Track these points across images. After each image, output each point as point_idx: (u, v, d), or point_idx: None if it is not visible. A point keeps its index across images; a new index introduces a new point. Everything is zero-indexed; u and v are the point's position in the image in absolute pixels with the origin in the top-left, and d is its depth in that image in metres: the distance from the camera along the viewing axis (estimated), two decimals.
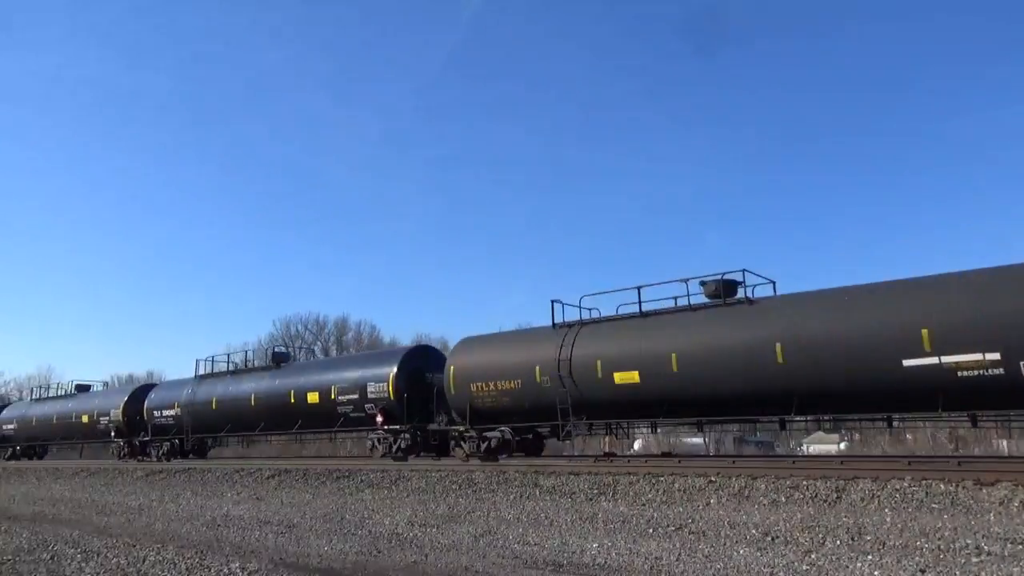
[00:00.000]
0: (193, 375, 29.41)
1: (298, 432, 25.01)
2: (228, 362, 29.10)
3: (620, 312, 16.98)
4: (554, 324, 17.84)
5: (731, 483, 11.66)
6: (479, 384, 18.23)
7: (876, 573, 7.59)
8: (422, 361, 21.65)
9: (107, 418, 32.54)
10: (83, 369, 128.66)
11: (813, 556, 8.29)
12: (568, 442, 19.98)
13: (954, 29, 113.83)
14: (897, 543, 8.30)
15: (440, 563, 9.41)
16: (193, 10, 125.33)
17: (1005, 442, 33.28)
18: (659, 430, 17.85)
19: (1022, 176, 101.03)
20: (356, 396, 21.68)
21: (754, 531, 9.43)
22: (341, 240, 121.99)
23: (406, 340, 66.92)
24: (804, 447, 48.82)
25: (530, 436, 18.52)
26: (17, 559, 11.19)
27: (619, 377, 15.73)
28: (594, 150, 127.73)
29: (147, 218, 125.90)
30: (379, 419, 20.88)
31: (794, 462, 14.54)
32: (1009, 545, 7.77)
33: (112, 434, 32.21)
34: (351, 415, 21.97)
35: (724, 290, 15.33)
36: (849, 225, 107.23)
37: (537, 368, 17.08)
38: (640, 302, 16.48)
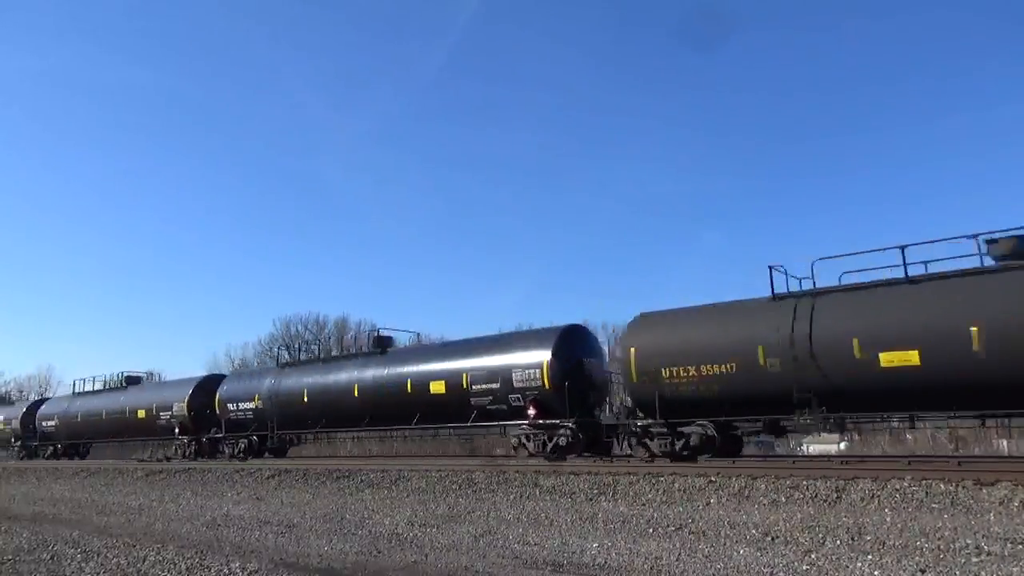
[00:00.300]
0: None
1: (416, 427, 21.64)
2: (319, 349, 26.41)
3: (841, 280, 14.50)
4: (774, 295, 15.18)
5: (731, 483, 11.68)
6: (674, 369, 15.49)
7: (876, 573, 7.58)
8: (577, 344, 18.94)
9: (169, 413, 28.92)
10: (83, 369, 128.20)
11: (813, 556, 8.29)
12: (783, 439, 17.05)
13: (953, 27, 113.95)
14: (897, 543, 8.31)
15: (440, 563, 9.40)
16: (189, 11, 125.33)
17: (1005, 442, 33.16)
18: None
19: (1019, 173, 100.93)
20: (497, 386, 18.91)
21: (754, 531, 9.43)
22: (340, 240, 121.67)
23: (406, 339, 66.92)
24: (804, 447, 48.76)
25: (738, 432, 16.12)
26: (17, 559, 11.18)
27: (886, 358, 13.00)
28: (591, 150, 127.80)
29: (146, 218, 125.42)
30: (531, 412, 18.20)
31: (794, 462, 14.58)
32: (1009, 545, 7.78)
33: (176, 431, 28.68)
34: (488, 407, 19.17)
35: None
36: (847, 224, 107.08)
37: (760, 348, 14.40)
38: (905, 264, 13.78)
